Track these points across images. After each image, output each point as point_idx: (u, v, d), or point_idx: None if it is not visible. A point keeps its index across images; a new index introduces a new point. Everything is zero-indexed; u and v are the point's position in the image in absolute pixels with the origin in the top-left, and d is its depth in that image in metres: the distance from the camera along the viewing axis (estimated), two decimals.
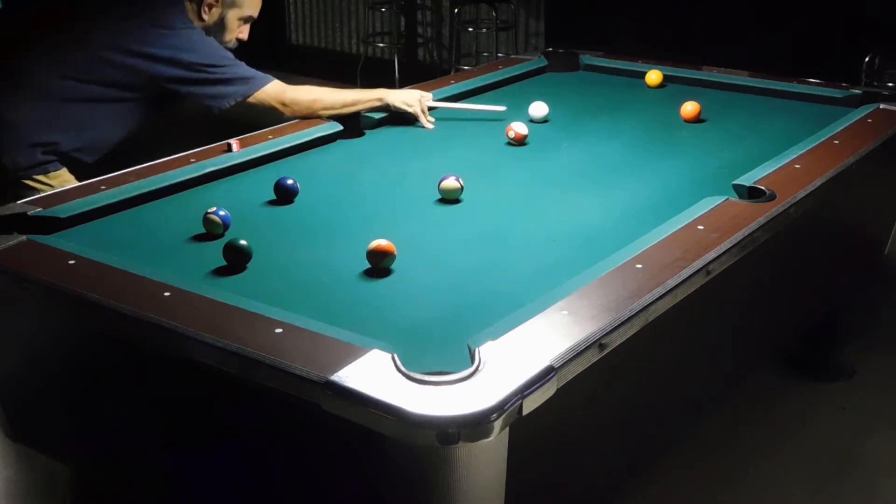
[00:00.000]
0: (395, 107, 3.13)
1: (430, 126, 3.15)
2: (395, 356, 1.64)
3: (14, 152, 2.85)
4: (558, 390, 1.64)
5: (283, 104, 3.01)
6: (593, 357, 1.74)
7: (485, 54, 6.58)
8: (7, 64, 2.95)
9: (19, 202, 2.38)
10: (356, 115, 3.10)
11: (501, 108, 3.21)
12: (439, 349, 1.77)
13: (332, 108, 3.06)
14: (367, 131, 3.09)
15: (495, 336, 1.72)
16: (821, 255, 2.90)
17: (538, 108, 3.19)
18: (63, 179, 2.87)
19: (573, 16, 5.82)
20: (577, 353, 1.69)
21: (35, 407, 2.27)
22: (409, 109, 3.13)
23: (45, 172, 2.87)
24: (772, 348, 3.01)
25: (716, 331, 2.39)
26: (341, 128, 3.02)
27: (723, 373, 2.59)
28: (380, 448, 1.57)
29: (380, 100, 3.13)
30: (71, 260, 2.06)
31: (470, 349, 1.69)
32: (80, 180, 2.77)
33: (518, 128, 2.96)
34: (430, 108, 3.21)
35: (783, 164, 2.62)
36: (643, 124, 3.17)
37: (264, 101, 2.99)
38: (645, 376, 2.09)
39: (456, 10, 6.58)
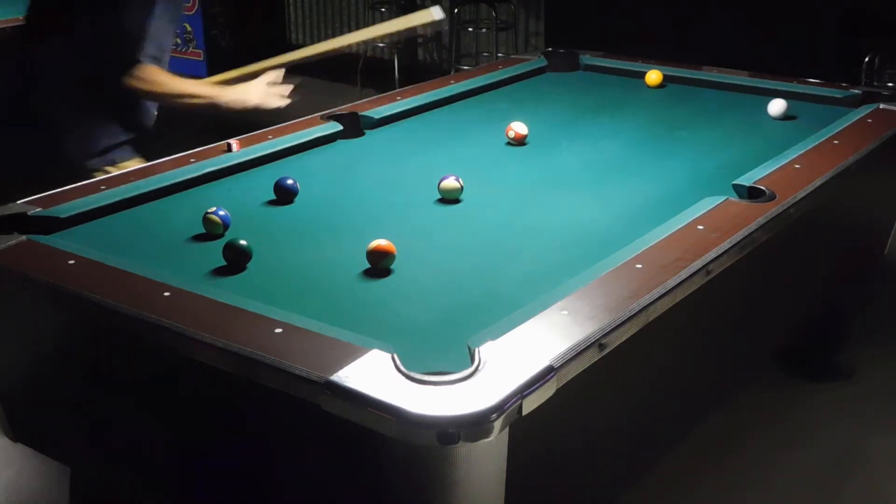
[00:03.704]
0: (229, 109, 2.98)
1: (281, 102, 2.97)
2: (395, 356, 1.64)
3: (81, 152, 2.91)
4: (558, 390, 1.64)
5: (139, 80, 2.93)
6: (593, 357, 1.74)
7: (485, 54, 6.58)
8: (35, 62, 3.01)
9: (19, 202, 2.38)
10: (356, 115, 3.10)
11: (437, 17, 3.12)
12: (439, 349, 1.77)
13: (165, 98, 2.97)
14: (367, 131, 3.09)
15: (495, 336, 1.72)
16: (821, 255, 2.90)
17: (777, 106, 3.16)
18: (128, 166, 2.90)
19: (573, 16, 5.82)
20: (577, 353, 1.69)
21: (35, 407, 2.27)
22: (248, 106, 2.96)
23: (113, 163, 2.92)
24: (772, 348, 3.01)
25: (715, 331, 2.39)
26: (341, 128, 3.02)
27: (722, 373, 2.59)
28: (380, 448, 1.57)
29: (212, 103, 2.98)
30: (71, 260, 2.06)
31: (470, 349, 1.69)
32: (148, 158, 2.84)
33: (518, 128, 2.96)
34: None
35: (783, 164, 2.62)
36: (643, 124, 3.17)
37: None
38: (645, 376, 2.09)
39: (456, 10, 6.58)
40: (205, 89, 3.03)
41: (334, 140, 2.99)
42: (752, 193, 2.44)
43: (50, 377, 2.18)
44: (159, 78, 2.98)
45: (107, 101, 2.99)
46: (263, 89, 3.01)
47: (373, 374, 1.60)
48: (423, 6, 6.94)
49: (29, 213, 2.32)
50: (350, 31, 7.34)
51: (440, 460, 1.56)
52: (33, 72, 3.01)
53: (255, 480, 1.88)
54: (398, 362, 1.62)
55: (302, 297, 2.00)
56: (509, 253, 2.24)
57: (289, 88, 3.04)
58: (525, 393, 1.57)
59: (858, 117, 3.05)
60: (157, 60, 2.99)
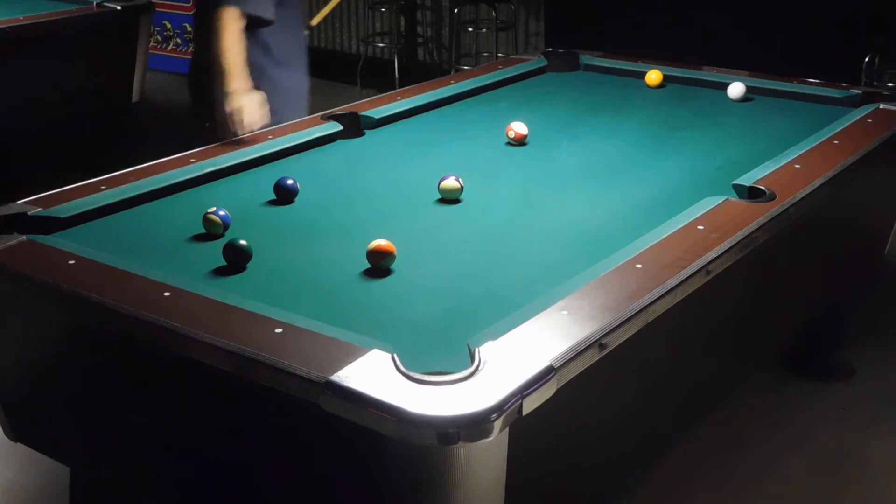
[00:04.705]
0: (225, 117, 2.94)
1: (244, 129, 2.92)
2: (395, 356, 1.64)
3: None
4: (558, 390, 1.64)
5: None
6: (593, 357, 1.74)
7: (485, 54, 6.58)
8: None
9: (19, 202, 2.38)
10: (356, 115, 3.10)
11: None
12: (439, 349, 1.77)
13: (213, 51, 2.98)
14: (367, 131, 3.09)
15: (495, 336, 1.72)
16: (821, 255, 2.90)
17: (737, 89, 3.34)
18: None
19: (573, 16, 5.82)
20: (577, 353, 1.69)
21: (35, 407, 2.27)
22: (236, 115, 2.92)
23: None
24: (772, 348, 3.01)
25: (715, 331, 2.39)
26: (341, 128, 3.02)
27: (723, 373, 2.59)
28: (380, 448, 1.57)
29: (224, 87, 2.96)
30: (71, 260, 2.06)
31: (470, 349, 1.69)
32: None
33: (518, 128, 2.95)
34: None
35: (783, 164, 2.62)
36: (643, 124, 3.17)
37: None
38: (645, 377, 2.09)
39: (456, 10, 6.58)
40: (236, 80, 2.96)
41: (334, 140, 2.99)
42: (752, 193, 2.44)
43: (50, 377, 2.18)
44: (225, 36, 2.96)
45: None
46: (252, 110, 2.93)
47: (373, 374, 1.60)
48: (424, 6, 6.95)
49: (29, 213, 2.32)
50: (350, 31, 7.36)
51: (440, 460, 1.56)
52: None
53: (255, 480, 1.88)
54: (398, 362, 1.62)
55: (302, 296, 2.00)
56: (510, 253, 2.24)
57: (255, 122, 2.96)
58: (525, 393, 1.57)
59: (858, 117, 3.05)
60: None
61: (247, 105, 2.92)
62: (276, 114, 3.02)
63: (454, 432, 1.50)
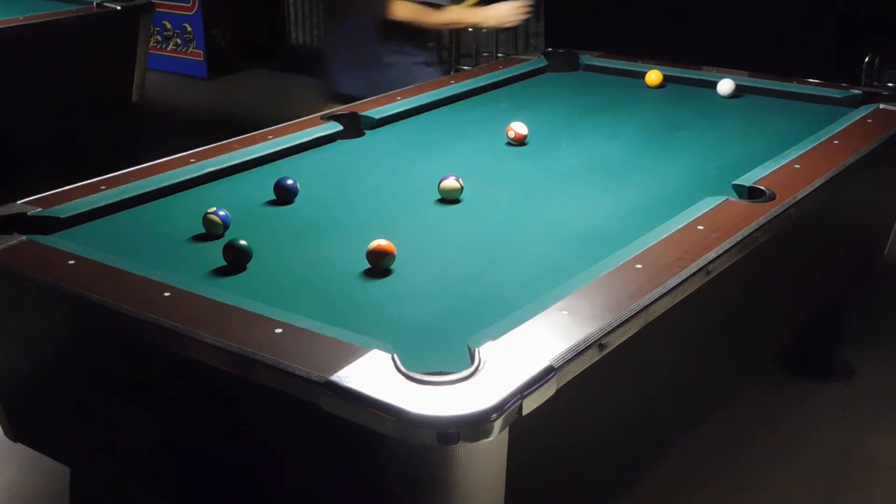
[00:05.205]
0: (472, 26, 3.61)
1: (516, 21, 3.69)
2: (395, 356, 1.64)
3: None
4: (558, 390, 1.64)
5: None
6: (593, 357, 1.74)
7: (485, 54, 6.58)
8: None
9: (19, 202, 2.38)
10: (356, 115, 3.10)
11: None
12: (439, 349, 1.77)
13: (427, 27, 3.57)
14: (367, 131, 3.09)
15: (495, 336, 1.72)
16: (821, 255, 2.90)
17: (726, 85, 3.42)
18: None
19: (573, 16, 5.82)
20: (577, 353, 1.69)
21: (35, 407, 2.27)
22: (489, 24, 3.65)
23: None
24: (772, 348, 3.01)
25: (716, 331, 2.39)
26: (341, 128, 3.02)
27: (723, 373, 2.59)
28: (380, 448, 1.57)
29: (457, 24, 3.64)
30: (71, 260, 2.06)
31: (470, 349, 1.69)
32: None
33: (518, 128, 2.95)
34: None
35: (783, 164, 2.62)
36: (643, 124, 3.17)
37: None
38: (645, 377, 2.10)
39: None
40: (455, 15, 3.63)
41: (334, 140, 2.99)
42: (752, 193, 2.44)
43: (50, 377, 2.18)
44: (410, 13, 3.53)
45: None
46: (504, 11, 3.62)
47: (373, 374, 1.60)
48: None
49: (29, 213, 2.32)
50: None
51: (440, 460, 1.56)
52: None
53: (255, 480, 1.88)
54: (398, 362, 1.62)
55: (302, 297, 2.00)
56: (509, 253, 2.24)
57: (525, 8, 3.64)
58: (525, 393, 1.57)
59: (858, 117, 3.05)
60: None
61: (486, 18, 3.63)
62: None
63: (454, 432, 1.51)
